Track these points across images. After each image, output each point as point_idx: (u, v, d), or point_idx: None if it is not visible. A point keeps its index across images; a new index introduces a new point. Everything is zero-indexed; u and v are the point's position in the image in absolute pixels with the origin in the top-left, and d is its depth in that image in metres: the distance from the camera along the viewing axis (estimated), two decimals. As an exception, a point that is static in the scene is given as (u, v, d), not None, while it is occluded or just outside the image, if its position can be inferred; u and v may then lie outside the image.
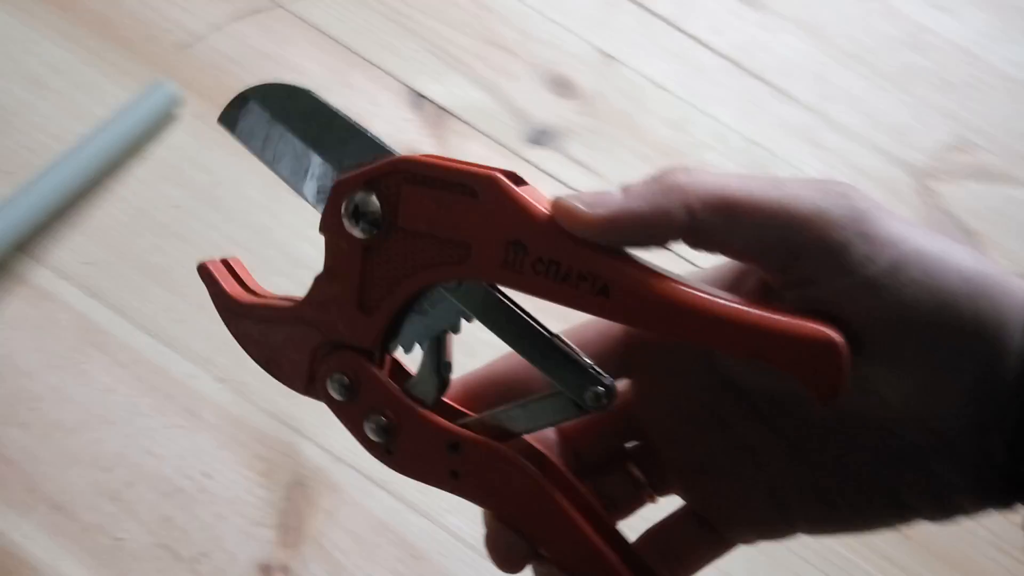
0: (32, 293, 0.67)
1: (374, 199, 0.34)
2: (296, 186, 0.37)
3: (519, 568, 0.37)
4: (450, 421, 0.36)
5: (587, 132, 0.78)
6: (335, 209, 0.35)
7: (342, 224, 0.35)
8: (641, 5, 0.85)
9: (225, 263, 0.39)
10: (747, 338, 0.31)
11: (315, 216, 0.36)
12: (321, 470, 0.63)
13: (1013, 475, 0.32)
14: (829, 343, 0.30)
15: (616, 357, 0.38)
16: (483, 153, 0.75)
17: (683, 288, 0.31)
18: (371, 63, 0.79)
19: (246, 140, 0.38)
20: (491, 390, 0.39)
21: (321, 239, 0.36)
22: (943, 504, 0.34)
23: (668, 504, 0.41)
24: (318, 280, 0.36)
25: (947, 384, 0.32)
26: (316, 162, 0.37)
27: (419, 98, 0.78)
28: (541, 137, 0.77)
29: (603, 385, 0.34)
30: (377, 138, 0.36)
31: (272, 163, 0.38)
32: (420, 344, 0.36)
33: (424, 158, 0.34)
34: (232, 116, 0.38)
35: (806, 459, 0.37)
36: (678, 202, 0.31)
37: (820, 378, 0.30)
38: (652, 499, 0.41)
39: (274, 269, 0.68)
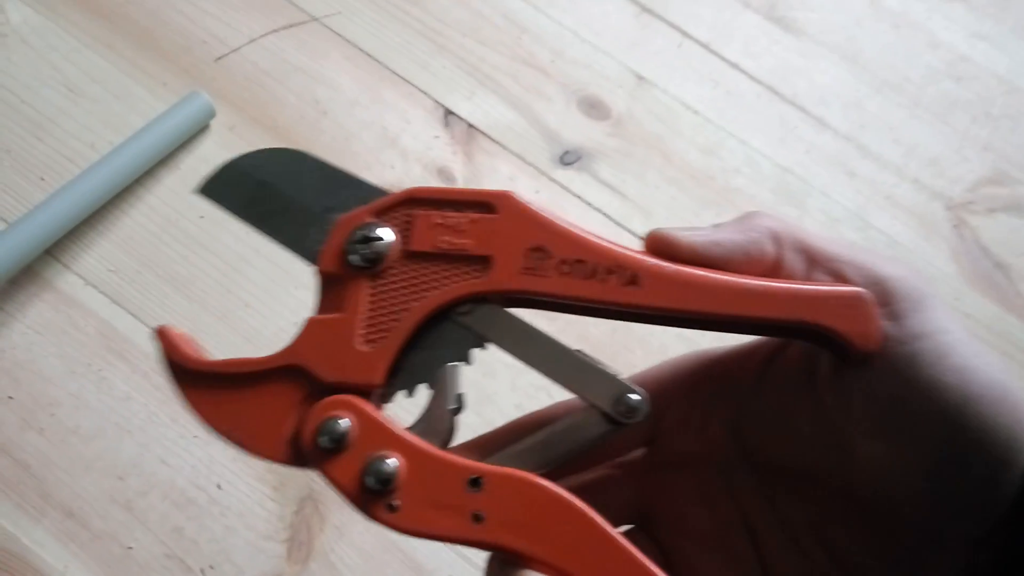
0: (58, 298, 0.68)
1: (383, 228, 0.35)
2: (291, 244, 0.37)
3: None
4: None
5: (617, 154, 0.77)
6: (337, 244, 0.35)
7: (344, 258, 0.35)
8: (678, 28, 0.84)
9: (183, 335, 0.36)
10: (783, 304, 0.33)
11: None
12: (333, 486, 0.63)
13: None
14: (859, 295, 0.33)
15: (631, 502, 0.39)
16: (511, 172, 0.75)
17: (708, 271, 0.33)
18: (403, 79, 0.79)
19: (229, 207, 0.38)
20: (502, 438, 0.36)
21: None
22: None
23: None
24: (312, 321, 0.35)
25: (952, 479, 0.32)
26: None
27: (450, 115, 0.78)
28: (570, 158, 0.76)
29: (637, 394, 0.34)
30: (372, 183, 0.36)
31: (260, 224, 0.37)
32: (428, 381, 0.35)
33: (433, 187, 0.35)
34: (213, 187, 0.38)
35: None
36: (768, 236, 0.34)
37: (857, 326, 0.33)
38: None
39: (300, 283, 0.69)
